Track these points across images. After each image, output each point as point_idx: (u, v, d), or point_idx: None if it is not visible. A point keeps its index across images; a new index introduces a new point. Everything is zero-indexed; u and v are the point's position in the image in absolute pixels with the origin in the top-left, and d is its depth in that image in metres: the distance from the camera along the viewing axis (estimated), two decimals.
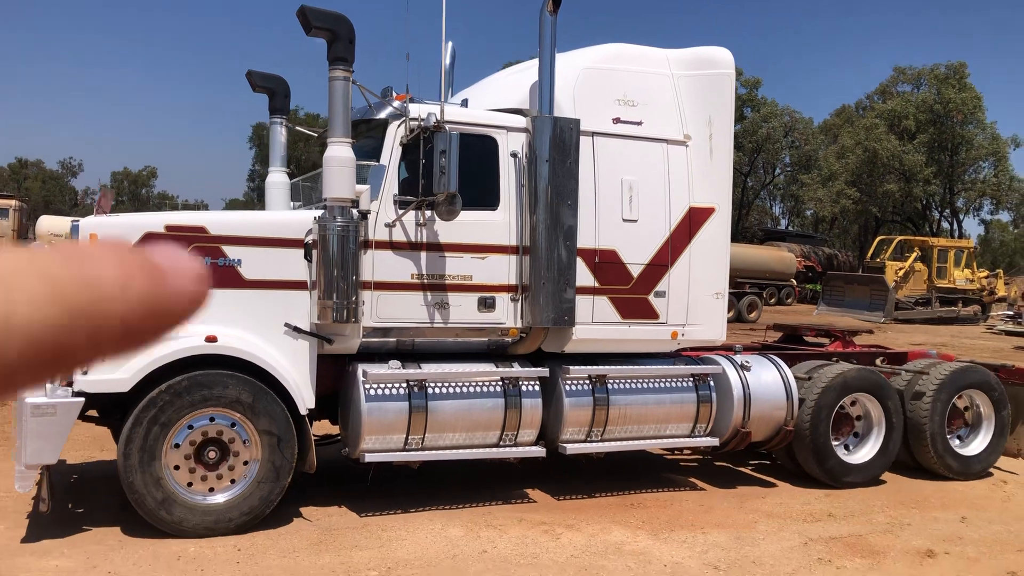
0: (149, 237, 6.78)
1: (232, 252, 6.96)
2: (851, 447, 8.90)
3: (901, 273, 37.86)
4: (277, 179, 8.94)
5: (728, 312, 32.01)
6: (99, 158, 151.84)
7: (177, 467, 6.54)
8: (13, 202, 51.11)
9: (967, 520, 7.76)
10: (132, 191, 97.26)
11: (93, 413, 6.97)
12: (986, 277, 41.24)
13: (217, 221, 7.09)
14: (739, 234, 61.21)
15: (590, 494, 8.10)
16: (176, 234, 6.86)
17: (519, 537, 6.79)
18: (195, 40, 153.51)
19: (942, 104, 55.50)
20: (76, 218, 7.07)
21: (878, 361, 9.87)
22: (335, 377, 7.47)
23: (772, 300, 41.41)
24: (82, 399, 6.29)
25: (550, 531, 6.96)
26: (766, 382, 8.49)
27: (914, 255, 39.16)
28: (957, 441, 9.33)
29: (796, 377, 8.64)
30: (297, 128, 9.14)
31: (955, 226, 62.43)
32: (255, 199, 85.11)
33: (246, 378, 6.68)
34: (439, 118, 7.04)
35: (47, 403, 6.16)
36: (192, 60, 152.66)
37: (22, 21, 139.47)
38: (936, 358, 9.79)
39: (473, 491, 7.96)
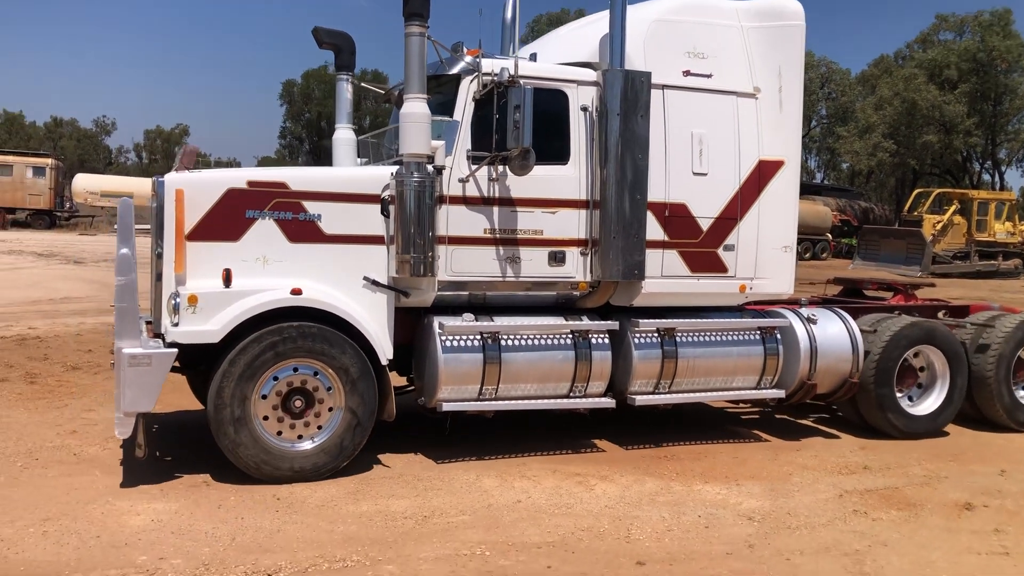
0: (232, 193, 6.92)
1: (312, 207, 7.09)
2: (915, 399, 8.94)
3: (939, 226, 37.40)
4: (344, 136, 9.01)
5: None
6: (132, 116, 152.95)
7: (266, 417, 6.73)
8: (49, 161, 51.91)
9: (1006, 473, 7.72)
10: (164, 149, 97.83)
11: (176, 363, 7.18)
12: None
13: (297, 177, 7.21)
14: None
15: (657, 443, 8.23)
16: (258, 189, 6.99)
17: (553, 488, 6.88)
18: None
19: (986, 52, 54.24)
20: (157, 175, 7.20)
21: (940, 314, 9.87)
22: (408, 329, 7.62)
23: (807, 255, 41.13)
24: (175, 350, 6.49)
25: (584, 482, 7.04)
26: (832, 335, 8.54)
27: (953, 208, 38.64)
28: (1022, 392, 9.33)
29: (861, 330, 8.67)
30: (363, 84, 9.18)
31: (996, 178, 61.40)
32: (286, 156, 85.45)
33: (330, 330, 6.84)
34: (512, 73, 7.06)
35: (143, 354, 6.37)
36: (222, 16, 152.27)
37: None
38: (999, 310, 9.77)
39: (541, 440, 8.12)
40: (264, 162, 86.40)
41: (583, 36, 8.26)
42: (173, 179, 6.88)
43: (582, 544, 5.76)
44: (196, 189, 6.86)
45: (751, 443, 8.54)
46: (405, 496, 6.57)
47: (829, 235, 45.89)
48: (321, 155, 79.13)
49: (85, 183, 56.41)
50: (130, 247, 6.74)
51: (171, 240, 6.76)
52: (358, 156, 9.07)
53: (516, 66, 7.13)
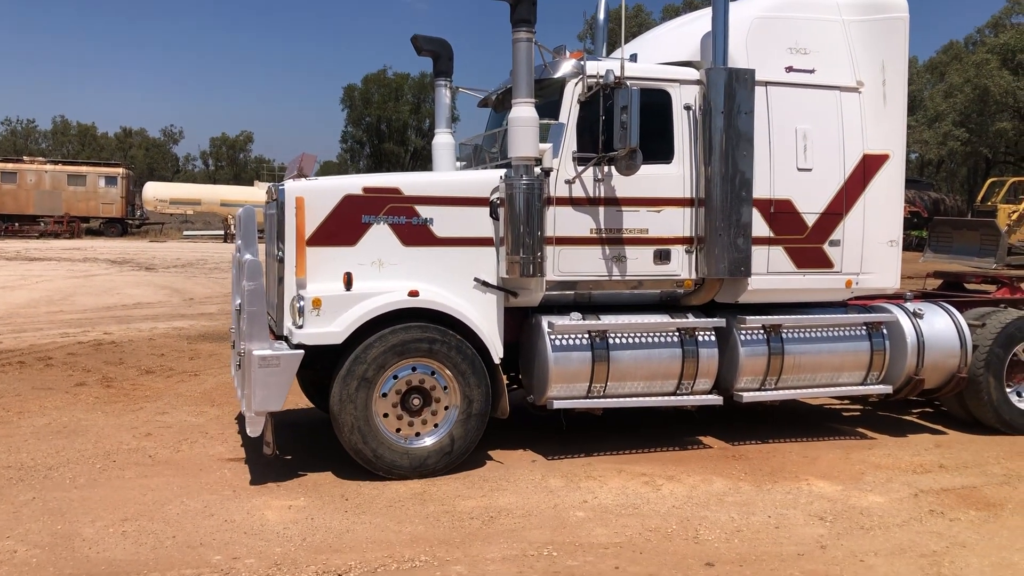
0: (349, 199, 7.13)
1: (424, 211, 7.26)
2: (1023, 394, 8.79)
3: (1015, 216, 36.30)
4: (443, 140, 9.19)
5: None
6: (198, 125, 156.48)
7: (386, 412, 6.93)
8: (120, 170, 53.46)
9: None
10: (229, 156, 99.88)
11: None
12: None
13: (410, 182, 7.39)
14: None
15: (765, 439, 8.24)
16: (373, 195, 7.19)
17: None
18: (284, 5, 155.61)
19: None
20: (275, 183, 7.45)
21: None
22: (514, 329, 7.74)
23: None
24: (302, 351, 6.71)
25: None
26: (939, 329, 8.44)
27: None
28: None
29: (968, 324, 8.55)
30: (461, 90, 9.35)
31: None
32: (348, 160, 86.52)
33: (445, 330, 7.00)
34: (619, 74, 7.14)
35: (272, 355, 6.60)
36: (282, 23, 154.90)
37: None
38: None
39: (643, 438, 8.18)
40: (326, 167, 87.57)
41: (683, 35, 8.30)
42: (293, 187, 7.10)
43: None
44: (315, 196, 7.07)
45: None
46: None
47: None
48: (382, 159, 80.00)
49: (155, 191, 58.00)
50: (254, 253, 6.99)
51: (292, 245, 6.98)
52: (456, 160, 9.24)
53: (622, 68, 7.20)
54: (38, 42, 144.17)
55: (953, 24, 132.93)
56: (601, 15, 9.57)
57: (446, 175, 8.42)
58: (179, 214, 57.38)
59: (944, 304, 8.75)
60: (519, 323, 7.78)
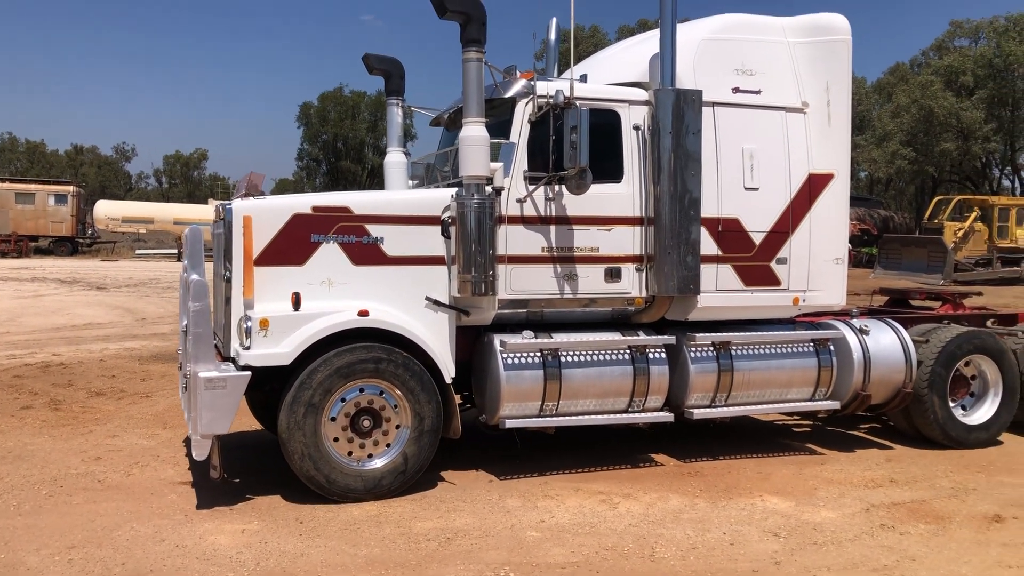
0: (297, 218, 7.07)
1: (375, 230, 7.23)
2: (967, 408, 8.98)
3: (960, 234, 37.24)
4: (395, 159, 9.18)
5: None
6: (151, 142, 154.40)
7: (335, 435, 6.86)
8: (71, 188, 52.50)
9: None
10: (184, 173, 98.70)
11: None
12: None
13: (360, 201, 7.36)
14: None
15: (718, 456, 8.29)
16: (322, 214, 7.14)
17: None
18: (238, 21, 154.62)
19: (1002, 58, 54.04)
20: (219, 200, 7.37)
21: (989, 323, 9.90)
22: (466, 348, 7.73)
23: None
24: (249, 373, 6.62)
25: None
26: (885, 345, 8.60)
27: (974, 215, 38.45)
28: None
29: (913, 340, 8.72)
30: (413, 108, 9.35)
31: (1016, 184, 61.05)
32: (304, 178, 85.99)
33: (396, 350, 6.96)
34: (568, 95, 7.20)
35: (218, 377, 6.51)
36: (238, 40, 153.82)
37: (72, 13, 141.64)
38: None
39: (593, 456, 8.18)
40: (281, 184, 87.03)
41: (633, 56, 8.40)
42: (241, 206, 7.03)
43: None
44: (263, 215, 7.01)
45: (776, 457, 8.51)
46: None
47: (849, 244, 45.73)
48: (338, 177, 79.61)
49: (107, 209, 57.13)
50: (200, 273, 6.90)
51: (240, 265, 6.90)
52: (409, 179, 9.23)
53: (571, 88, 7.26)
54: None
55: (900, 46, 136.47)
56: (552, 36, 9.63)
57: (397, 194, 8.41)
58: (131, 233, 56.54)
59: (889, 321, 8.92)
60: (472, 342, 7.78)
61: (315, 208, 7.18)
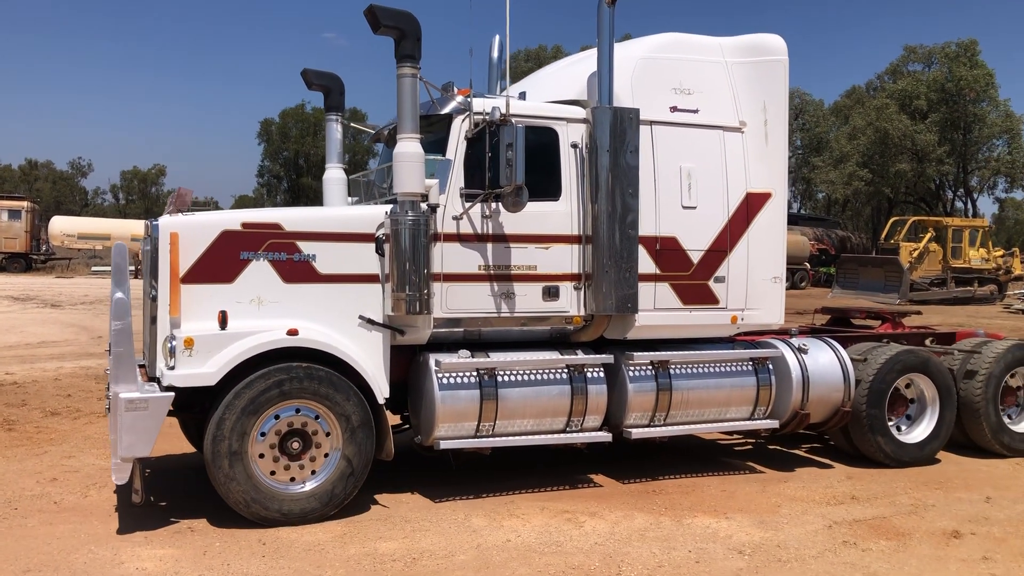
0: (226, 235, 6.93)
1: (306, 247, 7.11)
2: (904, 427, 9.03)
3: (916, 254, 37.88)
4: (334, 175, 9.07)
5: None
6: (108, 158, 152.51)
7: (262, 456, 6.69)
8: (25, 203, 51.54)
9: (992, 500, 7.74)
10: (141, 189, 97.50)
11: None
12: (1002, 256, 41.21)
13: (292, 218, 7.23)
14: None
15: (652, 476, 8.23)
16: (252, 231, 7.01)
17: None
18: (197, 36, 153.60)
19: (954, 82, 55.34)
20: (151, 219, 7.21)
21: (927, 341, 9.99)
22: (402, 368, 7.62)
23: (786, 284, 41.42)
24: (172, 393, 6.45)
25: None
26: (823, 364, 8.62)
27: (928, 235, 39.16)
28: (1008, 419, 9.43)
29: (852, 359, 8.76)
30: (353, 125, 9.25)
31: (969, 205, 62.32)
32: (265, 195, 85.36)
33: (325, 370, 6.82)
34: (504, 112, 7.16)
35: (140, 398, 6.33)
36: (199, 55, 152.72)
37: (27, 23, 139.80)
38: (984, 337, 9.90)
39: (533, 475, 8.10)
40: (241, 200, 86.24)
41: (572, 75, 8.39)
42: (167, 222, 6.87)
43: None
44: (190, 232, 6.86)
45: (739, 475, 8.52)
46: (393, 538, 6.51)
47: (807, 264, 46.35)
48: (299, 193, 79.10)
49: (62, 225, 56.05)
50: (125, 291, 6.73)
51: (166, 283, 6.74)
52: (349, 195, 9.12)
53: (507, 105, 7.22)
54: None
55: (856, 70, 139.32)
56: (495, 53, 9.61)
57: (330, 210, 8.29)
58: (87, 249, 55.47)
59: (828, 339, 8.96)
60: (409, 361, 7.66)
61: (245, 224, 7.04)
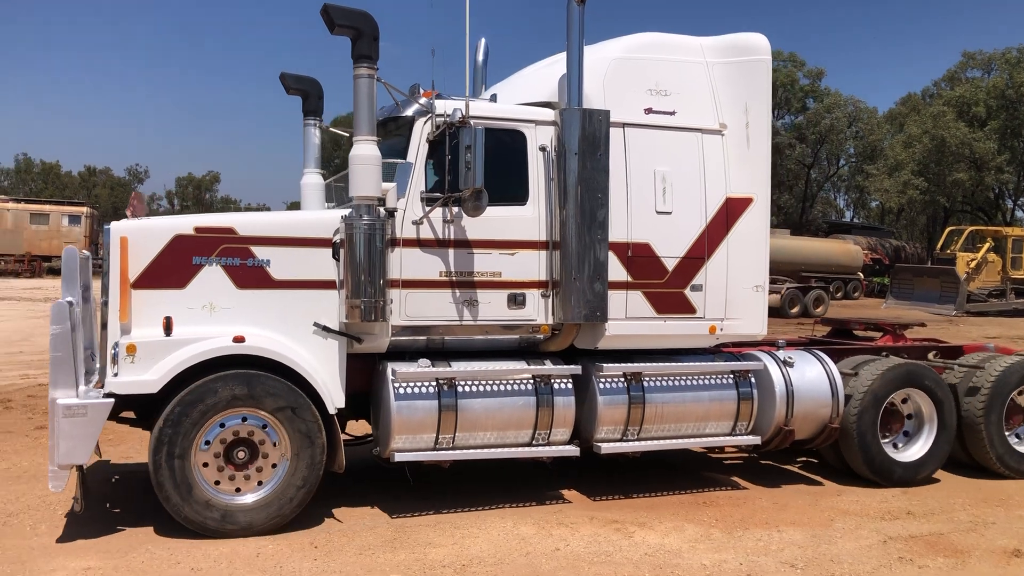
0: (179, 239, 6.84)
1: (261, 252, 6.97)
2: (900, 445, 8.57)
3: (973, 264, 36.76)
4: (311, 180, 8.96)
5: (794, 308, 31.12)
6: (165, 164, 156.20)
7: (206, 465, 6.55)
8: (84, 209, 52.88)
9: None
10: (196, 195, 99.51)
11: (131, 414, 7.06)
12: None
13: (246, 222, 7.11)
14: (803, 227, 60.39)
15: (627, 494, 7.92)
16: (205, 235, 6.90)
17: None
18: (254, 43, 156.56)
19: (1014, 89, 53.52)
20: (106, 224, 7.16)
21: (931, 355, 9.49)
22: (367, 377, 7.44)
23: (839, 294, 40.48)
24: (112, 400, 6.36)
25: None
26: (810, 378, 8.21)
27: (987, 245, 37.96)
28: (1015, 439, 8.90)
29: (842, 373, 8.34)
30: (331, 129, 9.14)
31: None
32: None
33: (275, 378, 6.67)
34: (464, 113, 6.95)
35: (78, 404, 6.24)
36: (251, 63, 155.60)
37: (84, 36, 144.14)
38: (993, 351, 9.36)
39: (509, 491, 7.88)
40: (292, 207, 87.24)
41: (545, 76, 8.14)
42: (118, 227, 6.80)
43: None
44: (141, 236, 6.78)
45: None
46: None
47: (860, 274, 45.18)
48: None
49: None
50: (75, 295, 6.67)
51: (116, 288, 6.66)
52: (327, 200, 8.99)
53: (467, 107, 7.02)
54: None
55: (912, 77, 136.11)
56: (480, 56, 9.41)
57: (286, 215, 8.18)
58: None
59: (817, 352, 8.54)
60: (372, 371, 7.48)
61: (198, 229, 6.93)
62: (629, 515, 7.27)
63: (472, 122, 6.97)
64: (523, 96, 8.03)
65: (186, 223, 7.00)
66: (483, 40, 9.50)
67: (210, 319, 6.82)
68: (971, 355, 9.29)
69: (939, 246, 41.49)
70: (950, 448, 8.60)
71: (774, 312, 31.44)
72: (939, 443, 8.49)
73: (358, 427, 8.22)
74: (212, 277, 6.87)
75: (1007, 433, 8.75)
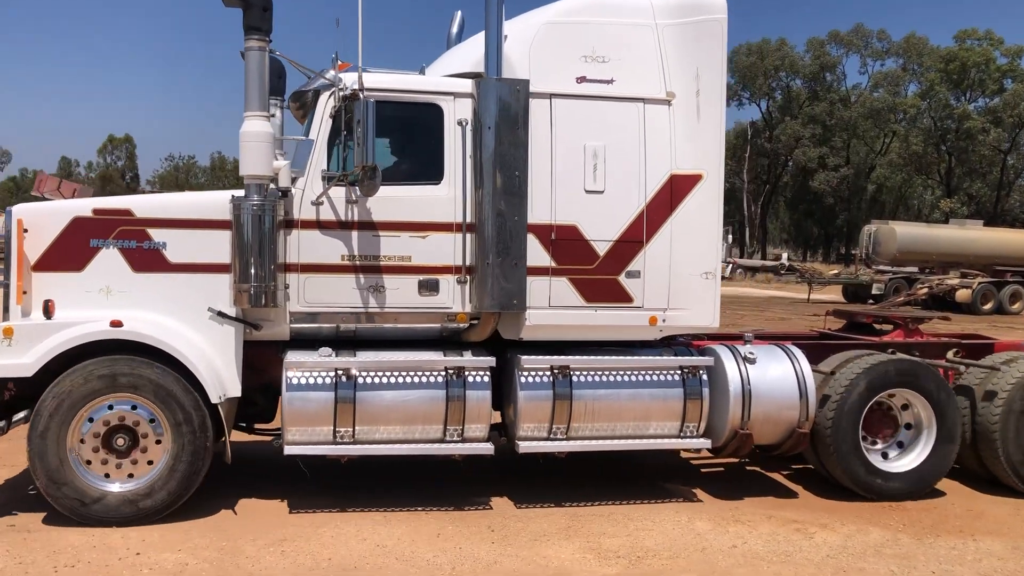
0: (77, 222, 6.75)
1: (157, 235, 6.79)
2: (891, 454, 7.47)
3: None
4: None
5: (986, 304, 28.75)
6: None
7: (84, 455, 6.42)
8: None
9: None
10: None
11: None
12: None
13: (143, 204, 6.94)
14: (998, 217, 56.77)
15: (558, 503, 7.24)
16: (103, 217, 6.78)
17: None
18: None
19: None
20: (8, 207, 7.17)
21: (950, 353, 8.23)
22: (277, 366, 7.12)
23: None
24: None
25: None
26: (773, 377, 7.25)
27: None
28: None
29: (815, 371, 7.32)
30: (292, 62, 8.67)
31: None
32: None
33: (155, 364, 6.46)
34: (357, 85, 6.50)
35: None
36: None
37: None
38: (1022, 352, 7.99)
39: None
40: None
41: (472, 45, 7.54)
42: (17, 209, 6.78)
43: None
44: (40, 218, 6.73)
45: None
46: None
47: None
48: None
49: None
50: None
51: (14, 270, 6.65)
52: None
53: (360, 78, 6.55)
54: (197, 81, 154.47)
55: None
56: (455, 29, 8.88)
57: (182, 196, 8.00)
58: None
59: (788, 347, 7.52)
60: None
61: (96, 211, 6.82)
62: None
63: (372, 95, 6.51)
64: (455, 67, 7.44)
65: (86, 205, 6.92)
66: (459, 13, 8.96)
67: (106, 303, 6.70)
68: (993, 356, 7.98)
69: None
70: (951, 460, 7.44)
71: (965, 309, 29.14)
72: (937, 451, 7.36)
73: None
74: (109, 260, 6.74)
75: None
